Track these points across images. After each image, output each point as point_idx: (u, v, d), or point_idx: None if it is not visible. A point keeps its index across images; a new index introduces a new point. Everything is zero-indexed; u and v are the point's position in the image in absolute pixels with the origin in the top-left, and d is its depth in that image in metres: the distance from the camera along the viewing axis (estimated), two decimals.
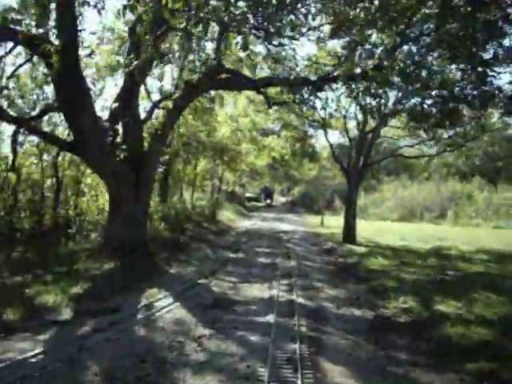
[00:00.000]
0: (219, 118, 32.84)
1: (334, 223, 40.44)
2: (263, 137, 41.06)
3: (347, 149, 29.38)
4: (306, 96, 18.86)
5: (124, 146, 16.87)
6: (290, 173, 69.49)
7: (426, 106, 18.19)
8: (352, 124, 30.21)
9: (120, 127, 17.68)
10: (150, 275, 14.47)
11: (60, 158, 20.89)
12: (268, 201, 78.87)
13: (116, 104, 17.62)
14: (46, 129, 20.97)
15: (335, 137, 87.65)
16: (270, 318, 10.03)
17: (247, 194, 77.05)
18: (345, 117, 27.43)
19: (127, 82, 17.25)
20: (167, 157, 29.36)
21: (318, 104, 28.75)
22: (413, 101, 19.17)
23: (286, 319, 9.95)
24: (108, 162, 16.67)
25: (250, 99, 31.29)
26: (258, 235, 29.11)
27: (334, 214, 55.20)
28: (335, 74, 17.69)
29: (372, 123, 28.03)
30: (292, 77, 17.61)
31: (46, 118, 20.08)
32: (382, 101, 17.74)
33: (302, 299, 11.93)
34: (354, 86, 17.30)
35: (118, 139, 17.35)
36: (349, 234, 25.81)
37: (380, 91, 16.59)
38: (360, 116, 26.59)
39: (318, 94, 18.83)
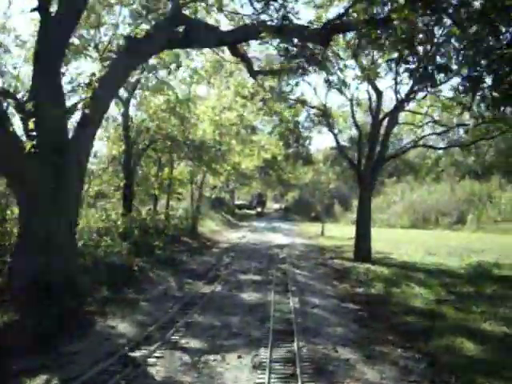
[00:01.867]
0: (197, 112, 27.14)
1: (337, 233, 34.82)
2: (252, 135, 35.20)
3: (353, 145, 23.64)
4: (303, 59, 12.94)
5: (35, 133, 11.28)
6: (282, 177, 63.96)
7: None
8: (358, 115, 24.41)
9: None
10: (57, 339, 8.63)
11: None
12: (259, 209, 71.24)
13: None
14: None
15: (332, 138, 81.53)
16: None
17: (237, 202, 71.00)
18: (351, 100, 21.58)
19: (45, 31, 11.39)
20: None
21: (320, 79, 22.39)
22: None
23: None
24: (10, 156, 11.06)
25: (237, 90, 25.43)
26: (246, 253, 23.04)
27: (334, 221, 49.39)
28: (347, 18, 11.86)
29: (387, 107, 22.35)
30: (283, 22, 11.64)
31: None
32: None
33: None
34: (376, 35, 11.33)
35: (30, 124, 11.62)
36: (362, 248, 19.94)
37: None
38: (374, 97, 20.69)
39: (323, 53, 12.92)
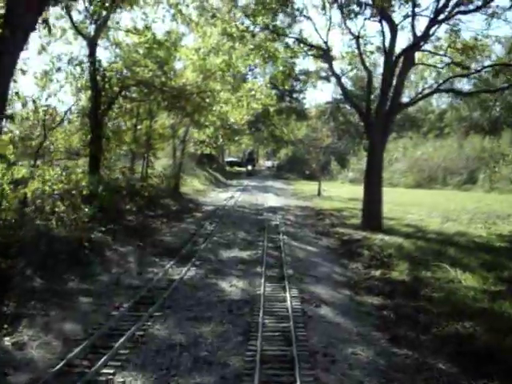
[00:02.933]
0: (178, 54, 23.45)
1: (335, 193, 31.54)
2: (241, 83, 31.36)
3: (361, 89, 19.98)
4: None
5: None
6: (275, 133, 60.40)
7: None
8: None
9: None
10: None
11: None
12: (249, 167, 66.24)
13: None
14: None
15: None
16: None
17: (228, 159, 67.29)
18: (358, 37, 17.86)
19: None
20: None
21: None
22: None
23: None
24: None
25: (224, 28, 21.60)
26: (233, 218, 19.65)
27: (330, 179, 46.07)
28: None
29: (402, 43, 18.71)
30: None
31: None
32: None
33: None
34: None
35: None
36: (372, 214, 16.68)
37: None
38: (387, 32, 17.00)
39: None
